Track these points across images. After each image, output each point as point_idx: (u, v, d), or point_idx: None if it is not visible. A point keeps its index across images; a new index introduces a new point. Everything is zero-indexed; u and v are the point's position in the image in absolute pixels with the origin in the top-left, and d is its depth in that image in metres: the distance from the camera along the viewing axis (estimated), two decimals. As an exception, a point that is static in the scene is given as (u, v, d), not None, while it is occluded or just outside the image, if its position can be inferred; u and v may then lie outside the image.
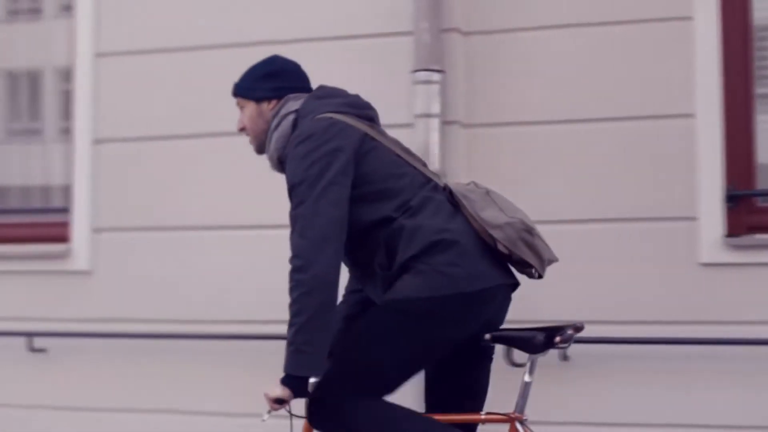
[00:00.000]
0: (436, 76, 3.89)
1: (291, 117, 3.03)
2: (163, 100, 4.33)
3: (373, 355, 2.79)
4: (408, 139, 3.85)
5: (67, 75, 4.78)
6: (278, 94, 3.10)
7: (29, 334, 4.38)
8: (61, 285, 4.43)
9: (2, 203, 4.91)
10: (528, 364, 2.85)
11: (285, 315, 2.73)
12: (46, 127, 4.97)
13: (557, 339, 2.83)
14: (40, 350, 4.40)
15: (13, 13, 5.09)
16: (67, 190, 4.69)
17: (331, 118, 2.92)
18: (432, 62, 3.89)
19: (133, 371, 4.31)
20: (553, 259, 2.96)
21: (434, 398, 3.00)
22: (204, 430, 4.17)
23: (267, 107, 3.10)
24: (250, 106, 3.12)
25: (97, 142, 4.42)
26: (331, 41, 4.10)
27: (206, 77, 4.27)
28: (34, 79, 5.08)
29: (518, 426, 2.83)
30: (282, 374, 2.74)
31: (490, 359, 3.01)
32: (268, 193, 3.99)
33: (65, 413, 4.41)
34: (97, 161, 4.41)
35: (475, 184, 3.04)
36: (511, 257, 2.88)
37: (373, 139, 2.97)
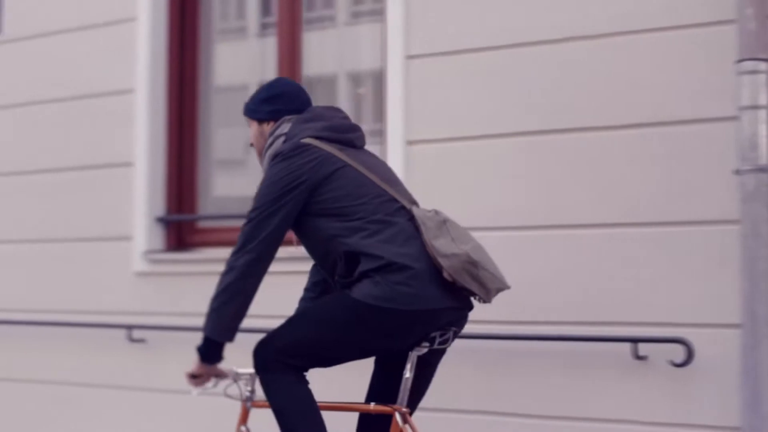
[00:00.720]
0: (762, 66, 3.69)
1: (281, 139, 3.41)
2: (475, 100, 4.37)
3: (316, 334, 3.26)
4: (733, 132, 3.70)
5: (377, 77, 4.95)
6: (275, 116, 3.51)
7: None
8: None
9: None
10: (409, 362, 3.27)
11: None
12: (365, 129, 5.15)
13: (438, 338, 3.26)
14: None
15: (329, 20, 5.33)
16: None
17: (304, 144, 3.33)
18: (758, 51, 3.70)
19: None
20: (502, 287, 3.30)
21: (375, 389, 3.43)
22: None
23: (267, 127, 3.53)
24: (254, 126, 3.57)
25: (410, 143, 4.53)
26: (651, 33, 3.99)
27: (518, 76, 4.27)
28: (347, 82, 5.30)
29: (397, 416, 3.25)
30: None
31: (432, 365, 3.41)
32: (577, 192, 3.93)
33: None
34: (409, 162, 4.51)
35: (435, 212, 3.35)
36: (454, 284, 3.22)
37: (341, 162, 3.34)
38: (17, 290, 5.68)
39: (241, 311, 3.30)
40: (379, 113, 4.96)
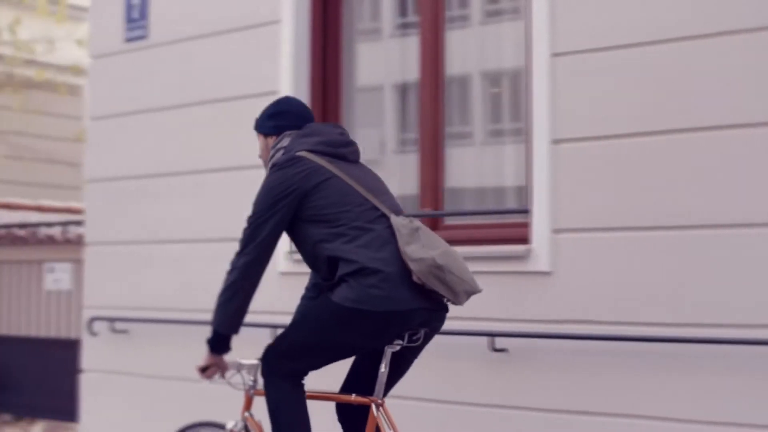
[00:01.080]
0: None
1: (281, 152, 3.81)
2: (624, 97, 4.28)
3: (305, 339, 3.68)
4: None
5: (515, 76, 4.90)
6: (278, 131, 3.90)
7: (491, 334, 4.52)
8: (522, 286, 4.52)
9: (460, 205, 5.12)
10: (384, 359, 3.61)
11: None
12: (503, 128, 5.11)
13: (407, 337, 3.60)
14: (502, 350, 4.53)
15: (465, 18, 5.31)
16: (521, 191, 4.79)
17: (297, 157, 3.72)
18: None
19: (589, 373, 4.30)
20: (471, 291, 3.60)
21: (352, 380, 3.83)
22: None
23: (271, 141, 3.93)
24: (261, 139, 3.98)
25: (556, 142, 4.46)
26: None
27: (667, 72, 4.16)
28: (483, 81, 5.26)
29: (373, 407, 3.64)
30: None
31: (408, 361, 3.78)
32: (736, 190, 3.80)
33: (517, 412, 4.50)
34: (555, 161, 4.45)
35: (410, 220, 3.65)
36: (423, 287, 3.54)
37: (330, 174, 3.70)
38: (171, 290, 5.81)
39: (243, 306, 3.74)
40: (518, 112, 4.89)
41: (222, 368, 3.92)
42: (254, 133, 4.03)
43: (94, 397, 6.16)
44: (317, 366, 3.74)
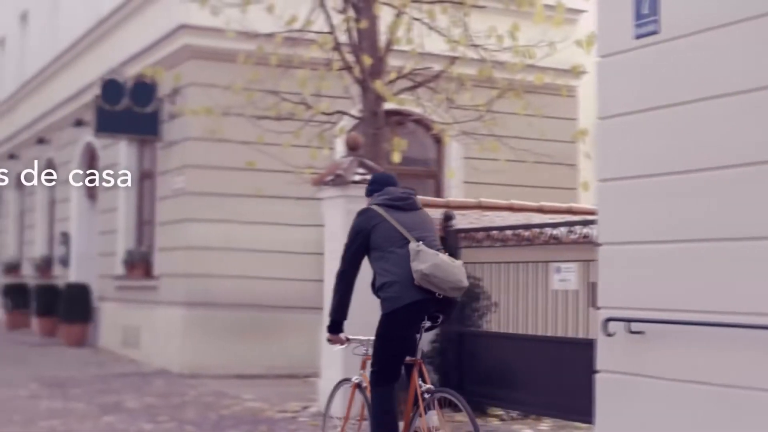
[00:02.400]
0: None
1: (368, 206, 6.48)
2: None
3: (381, 349, 6.22)
4: None
5: None
6: (371, 193, 6.59)
7: None
8: None
9: None
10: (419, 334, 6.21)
11: None
12: None
13: (431, 318, 6.19)
14: None
15: None
16: None
17: (369, 208, 6.39)
18: None
19: None
20: (457, 287, 6.09)
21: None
22: None
23: (369, 200, 6.55)
24: (367, 199, 6.61)
25: None
26: None
27: None
28: None
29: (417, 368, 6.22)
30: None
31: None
32: None
33: None
34: None
35: (418, 245, 6.08)
36: (421, 287, 6.03)
37: (382, 219, 6.24)
38: (689, 290, 5.74)
39: (343, 301, 6.34)
40: None
41: (339, 342, 6.50)
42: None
43: (610, 398, 6.24)
44: (395, 370, 6.23)
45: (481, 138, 11.59)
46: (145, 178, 16.36)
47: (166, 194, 14.78)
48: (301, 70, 10.73)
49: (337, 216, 9.98)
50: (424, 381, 6.13)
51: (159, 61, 14.64)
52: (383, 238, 6.15)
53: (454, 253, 9.84)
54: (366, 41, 10.72)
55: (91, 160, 18.91)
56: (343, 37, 10.83)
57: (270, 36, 10.95)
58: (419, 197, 6.72)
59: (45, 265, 21.25)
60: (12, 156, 24.59)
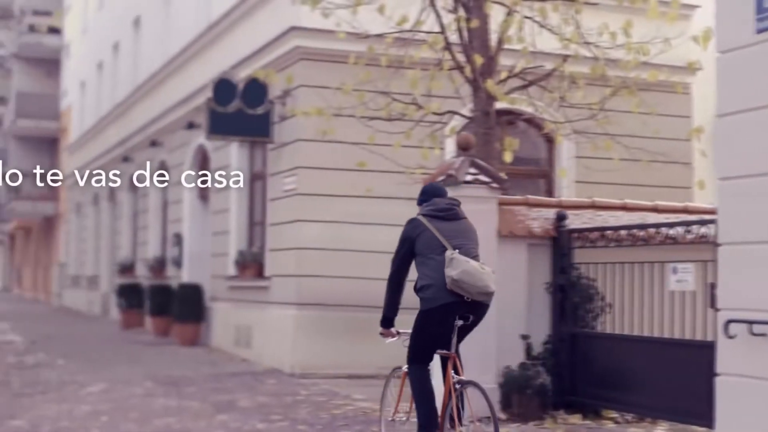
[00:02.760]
0: None
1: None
2: None
3: (415, 340, 7.11)
4: None
5: None
6: (420, 203, 7.40)
7: None
8: None
9: None
10: (454, 333, 7.01)
11: None
12: None
13: (462, 318, 6.97)
14: None
15: None
16: None
17: (415, 218, 7.21)
18: None
19: None
20: (484, 293, 6.90)
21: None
22: None
23: (420, 209, 7.35)
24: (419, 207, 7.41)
25: None
26: None
27: None
28: None
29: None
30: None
31: (467, 332, 7.14)
32: None
33: None
34: None
35: (452, 253, 6.89)
36: (453, 291, 6.84)
37: (425, 227, 7.07)
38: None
39: (393, 298, 7.22)
40: None
41: (390, 335, 7.33)
42: None
43: (731, 402, 6.15)
44: (429, 354, 7.16)
45: (593, 137, 11.48)
46: (256, 179, 16.63)
47: (277, 195, 15.00)
48: (412, 71, 10.78)
49: (448, 216, 10.00)
50: (457, 373, 6.98)
51: (269, 63, 14.88)
52: (425, 246, 7.00)
53: (567, 254, 9.85)
54: (477, 40, 10.73)
55: (202, 161, 19.29)
56: (453, 37, 10.84)
57: (380, 36, 11.03)
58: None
59: (158, 266, 21.76)
60: (126, 158, 25.27)
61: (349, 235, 13.78)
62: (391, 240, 13.02)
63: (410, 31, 10.96)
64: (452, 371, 6.96)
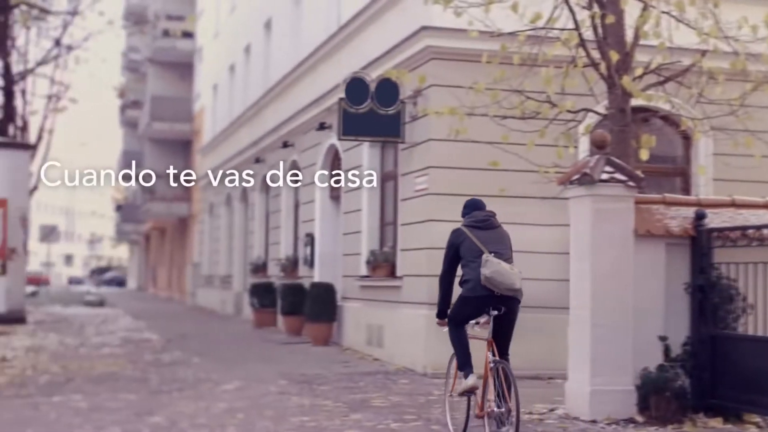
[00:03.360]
0: None
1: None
2: None
3: (455, 311, 8.99)
4: None
5: None
6: (463, 216, 9.12)
7: None
8: None
9: None
10: (490, 319, 8.70)
11: None
12: None
13: (492, 309, 8.67)
14: None
15: None
16: None
17: (458, 228, 8.97)
18: None
19: None
20: (510, 289, 8.56)
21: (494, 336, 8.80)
22: None
23: (463, 220, 9.12)
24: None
25: None
26: None
27: None
28: None
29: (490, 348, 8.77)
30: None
31: (504, 325, 8.73)
32: None
33: None
34: None
35: (487, 256, 8.59)
36: (485, 287, 8.58)
37: (466, 236, 8.82)
38: None
39: (444, 295, 9.03)
40: None
41: (444, 324, 8.97)
42: None
43: None
44: (461, 323, 8.87)
45: (733, 133, 11.28)
46: (387, 179, 16.81)
47: (408, 195, 15.14)
48: (545, 68, 10.77)
49: (583, 215, 9.98)
50: (493, 354, 8.58)
51: (400, 63, 15.03)
52: (467, 251, 8.74)
53: (706, 253, 9.71)
54: (612, 37, 10.67)
55: (334, 162, 19.58)
56: (588, 33, 10.80)
57: (513, 35, 11.05)
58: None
59: (290, 265, 22.15)
60: (258, 160, 25.80)
61: (481, 234, 13.81)
62: (524, 239, 13.09)
63: (543, 28, 10.96)
64: (489, 353, 8.61)
